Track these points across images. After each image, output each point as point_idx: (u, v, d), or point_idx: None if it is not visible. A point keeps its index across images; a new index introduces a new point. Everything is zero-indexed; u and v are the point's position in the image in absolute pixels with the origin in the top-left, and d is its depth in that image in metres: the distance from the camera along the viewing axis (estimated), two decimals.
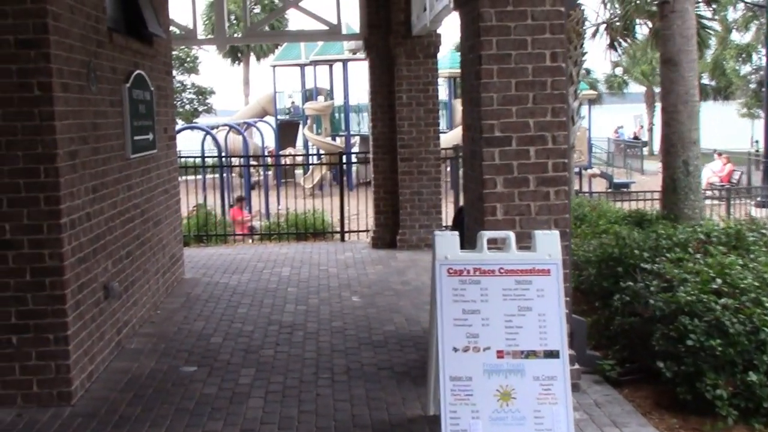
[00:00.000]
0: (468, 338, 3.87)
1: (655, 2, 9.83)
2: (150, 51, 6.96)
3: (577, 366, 4.66)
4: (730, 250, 5.32)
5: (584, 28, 10.86)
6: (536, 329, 3.88)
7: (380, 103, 9.67)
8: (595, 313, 5.64)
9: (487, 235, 4.03)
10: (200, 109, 38.21)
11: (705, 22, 14.50)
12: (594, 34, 14.37)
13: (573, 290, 5.18)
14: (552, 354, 3.85)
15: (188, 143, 22.31)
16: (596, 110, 31.64)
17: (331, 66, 27.91)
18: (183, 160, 12.39)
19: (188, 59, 36.73)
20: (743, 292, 4.36)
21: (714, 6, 15.55)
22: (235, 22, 31.47)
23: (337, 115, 26.81)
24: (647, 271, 5.09)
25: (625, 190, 19.18)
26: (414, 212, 9.43)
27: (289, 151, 26.14)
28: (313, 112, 26.33)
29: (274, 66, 29.89)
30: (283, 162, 20.74)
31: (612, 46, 14.04)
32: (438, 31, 9.32)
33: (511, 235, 4.03)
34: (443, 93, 22.75)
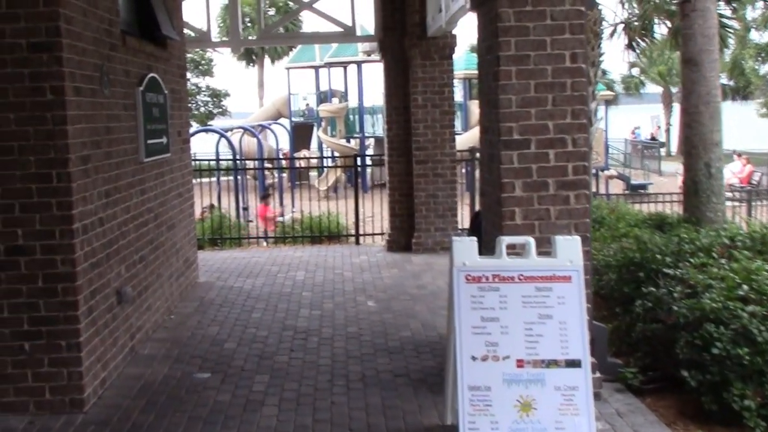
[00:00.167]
0: (487, 347, 3.78)
1: (675, 1, 9.67)
2: (164, 54, 6.92)
3: (598, 374, 4.54)
4: (755, 255, 5.18)
5: (601, 28, 10.72)
6: (557, 338, 3.78)
7: (395, 105, 9.58)
8: (615, 319, 5.52)
9: (506, 240, 3.93)
10: (215, 111, 38.35)
11: (725, 21, 14.28)
12: (612, 34, 14.21)
13: (593, 295, 5.06)
14: (573, 363, 3.74)
15: (203, 146, 22.35)
16: (612, 111, 31.37)
17: (345, 68, 27.88)
18: (197, 162, 12.36)
19: (203, 62, 36.87)
20: None
21: (734, 5, 15.32)
22: (249, 24, 31.52)
23: (351, 117, 26.76)
24: (670, 277, 4.96)
25: (642, 191, 18.96)
26: (429, 215, 9.33)
27: (304, 153, 26.11)
28: (328, 114, 26.30)
29: (289, 68, 29.89)
30: (297, 164, 20.71)
31: (630, 46, 13.86)
32: (453, 32, 9.22)
33: (531, 240, 3.93)
34: (458, 94, 22.66)
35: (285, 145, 27.65)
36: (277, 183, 18.29)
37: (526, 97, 4.57)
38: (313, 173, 24.05)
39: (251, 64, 40.22)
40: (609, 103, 27.03)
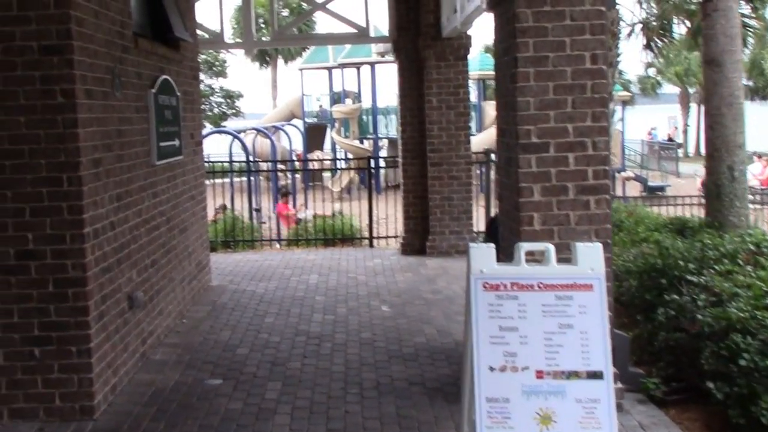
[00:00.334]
0: (505, 357, 3.66)
1: (695, 1, 9.50)
2: (176, 56, 6.86)
3: (619, 384, 4.41)
4: None
5: (619, 28, 10.56)
6: (578, 348, 3.65)
7: (409, 106, 9.48)
8: (636, 326, 5.39)
9: (525, 247, 3.81)
10: (228, 112, 38.39)
11: (746, 20, 14.04)
12: (629, 35, 14.01)
13: (613, 302, 4.93)
14: (595, 375, 3.61)
15: (216, 147, 22.35)
16: (628, 111, 31.07)
17: (358, 69, 27.79)
18: (210, 164, 12.32)
19: (217, 63, 36.91)
20: None
21: (754, 4, 15.06)
22: (263, 25, 31.53)
23: (364, 118, 26.68)
24: (693, 284, 4.83)
25: (660, 193, 18.72)
26: (444, 218, 9.22)
27: (317, 154, 26.06)
28: (341, 115, 26.23)
29: (302, 69, 29.87)
30: (310, 166, 20.65)
31: (648, 46, 13.67)
32: (468, 32, 9.10)
33: (551, 247, 3.80)
34: (472, 95, 22.48)
35: (298, 146, 27.62)
36: (290, 184, 18.23)
37: (545, 99, 4.47)
38: (327, 174, 23.97)
39: (265, 65, 40.23)
40: (625, 103, 26.78)
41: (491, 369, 3.65)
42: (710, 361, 4.13)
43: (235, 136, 17.32)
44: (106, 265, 4.74)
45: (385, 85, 27.43)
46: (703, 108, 40.02)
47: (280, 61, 39.86)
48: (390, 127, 25.73)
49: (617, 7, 9.62)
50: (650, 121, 39.56)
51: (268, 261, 9.33)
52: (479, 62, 23.70)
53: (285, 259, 9.42)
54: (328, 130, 28.66)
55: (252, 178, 15.66)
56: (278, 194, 15.58)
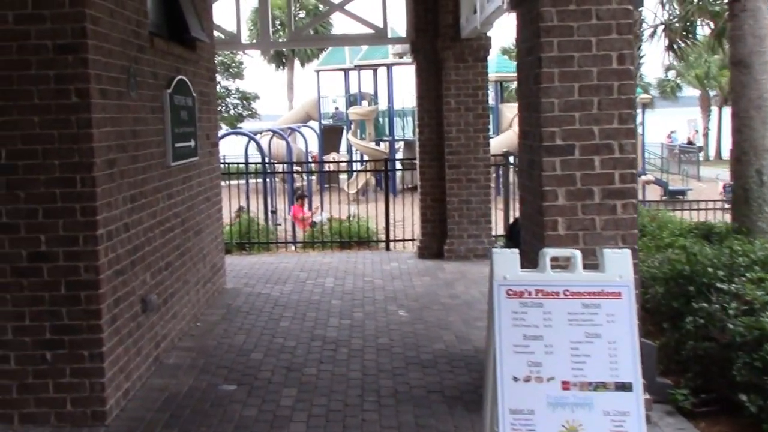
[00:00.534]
0: (530, 367, 3.52)
1: (718, 2, 9.30)
2: (192, 56, 6.79)
3: (646, 395, 4.26)
4: None
5: (641, 29, 10.38)
6: (606, 358, 3.50)
7: (427, 108, 9.36)
8: (662, 335, 5.22)
9: (550, 253, 3.67)
10: (244, 114, 38.46)
11: None
12: (651, 36, 13.80)
13: (639, 309, 4.78)
14: (624, 386, 3.47)
15: (233, 148, 22.32)
16: (648, 115, 30.75)
17: (375, 70, 27.74)
18: (226, 165, 12.26)
19: (233, 64, 37.00)
20: None
21: None
22: (279, 27, 31.54)
23: (381, 119, 26.59)
24: (723, 292, 4.66)
25: (681, 197, 18.45)
26: (462, 221, 9.09)
27: (333, 156, 26.00)
28: (358, 117, 26.18)
29: (318, 71, 29.85)
30: (326, 167, 20.59)
31: (671, 47, 13.44)
32: (489, 33, 8.97)
33: (577, 253, 3.66)
34: (490, 98, 22.33)
35: (314, 147, 27.58)
36: (305, 186, 18.17)
37: (570, 100, 4.33)
38: (343, 176, 23.90)
39: (281, 67, 40.27)
40: (645, 107, 26.49)
41: (515, 379, 3.52)
42: (742, 373, 3.97)
43: (252, 138, 17.26)
44: (119, 267, 4.66)
45: (401, 86, 27.35)
46: (724, 111, 39.69)
47: (297, 63, 39.89)
48: (406, 129, 25.63)
49: (640, 8, 9.42)
50: (670, 124, 39.14)
51: (283, 264, 9.24)
52: (496, 64, 23.54)
53: (300, 262, 9.32)
54: (344, 132, 28.60)
55: (268, 180, 15.61)
56: (294, 197, 15.51)
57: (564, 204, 4.32)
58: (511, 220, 10.53)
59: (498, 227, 10.21)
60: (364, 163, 22.80)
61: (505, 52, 33.69)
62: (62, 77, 4.28)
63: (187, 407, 4.67)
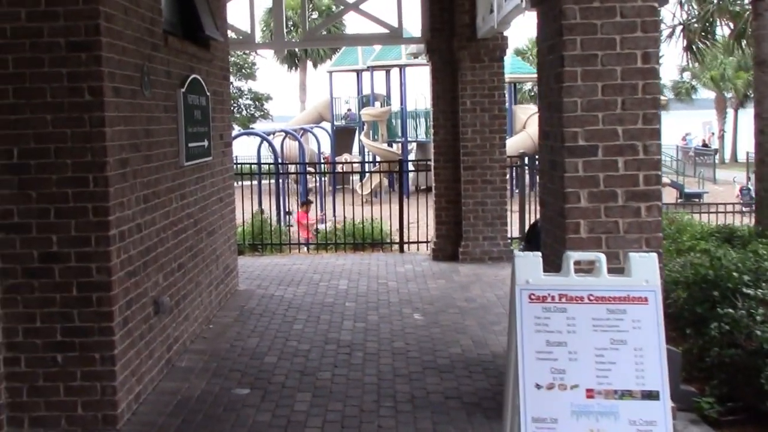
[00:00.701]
0: (553, 374, 3.41)
1: (739, 1, 9.14)
2: (206, 55, 6.72)
3: (671, 403, 4.13)
4: None
5: (659, 30, 10.21)
6: (632, 366, 3.39)
7: (443, 108, 9.26)
8: (685, 341, 5.10)
9: (574, 256, 3.56)
10: (257, 115, 38.49)
11: None
12: (669, 36, 13.61)
13: None
14: (651, 395, 3.36)
15: (246, 149, 22.31)
16: (663, 117, 30.40)
17: (388, 71, 27.66)
18: (238, 165, 12.19)
19: (246, 65, 37.03)
20: None
21: None
22: (292, 28, 31.52)
23: (393, 121, 26.50)
24: (749, 297, 4.54)
25: (697, 200, 18.23)
26: (477, 223, 8.97)
27: (345, 157, 25.93)
28: (370, 118, 26.09)
29: (331, 72, 29.79)
30: (338, 168, 20.50)
31: (689, 48, 13.25)
32: (505, 33, 8.86)
33: (602, 257, 3.55)
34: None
35: (327, 148, 27.53)
36: (318, 187, 18.14)
37: (593, 100, 4.22)
38: (355, 177, 23.82)
39: (293, 68, 40.27)
40: (660, 108, 26.18)
41: (538, 387, 3.41)
42: None
43: (264, 138, 17.22)
44: (131, 268, 4.59)
45: (414, 88, 27.25)
46: (739, 113, 39.31)
47: (309, 64, 39.88)
48: (419, 131, 25.51)
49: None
50: (685, 126, 38.84)
51: (296, 265, 9.16)
52: (510, 65, 23.37)
53: (313, 264, 9.24)
54: (357, 133, 28.53)
55: (281, 181, 15.55)
56: (301, 202, 15.39)
57: (587, 206, 4.21)
58: (527, 222, 10.42)
59: (513, 229, 10.09)
60: (376, 164, 22.72)
61: (518, 53, 33.54)
62: (75, 75, 4.21)
63: (200, 412, 4.59)
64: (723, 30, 13.89)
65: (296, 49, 35.47)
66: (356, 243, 10.89)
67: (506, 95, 23.96)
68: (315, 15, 35.34)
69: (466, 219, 8.97)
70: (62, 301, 4.25)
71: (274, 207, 14.06)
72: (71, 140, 4.23)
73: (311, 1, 34.27)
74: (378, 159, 23.95)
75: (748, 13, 11.54)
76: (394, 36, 9.95)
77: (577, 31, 4.20)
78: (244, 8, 10.12)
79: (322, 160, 23.18)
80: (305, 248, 11.60)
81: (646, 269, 3.50)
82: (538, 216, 10.28)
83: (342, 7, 10.84)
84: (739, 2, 12.33)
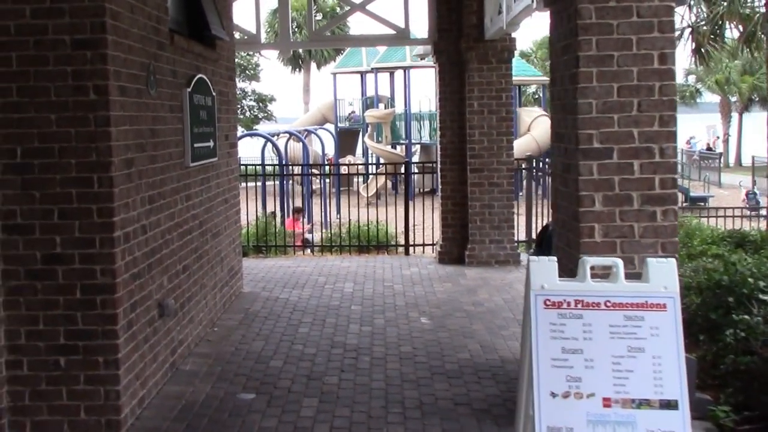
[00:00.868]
0: (568, 382, 3.33)
1: (749, 4, 9.03)
2: (213, 54, 6.64)
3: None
4: None
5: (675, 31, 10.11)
6: (650, 374, 3.30)
7: (449, 110, 9.17)
8: (698, 347, 5.00)
9: (590, 261, 3.47)
10: (260, 116, 38.44)
11: None
12: (678, 39, 13.49)
13: None
14: (669, 405, 3.27)
15: (250, 150, 22.24)
16: None
17: (392, 73, 27.58)
18: (242, 167, 12.10)
19: (249, 66, 36.99)
20: None
21: None
22: (296, 29, 31.47)
23: (397, 123, 26.42)
24: (766, 303, 4.44)
25: (702, 204, 18.13)
26: (484, 226, 8.88)
27: (349, 159, 25.86)
28: (374, 120, 26.02)
29: (335, 73, 29.72)
30: (342, 170, 20.42)
31: (698, 51, 13.14)
32: (513, 35, 8.78)
33: (619, 262, 3.46)
34: None
35: (330, 150, 27.44)
36: (320, 189, 18.04)
37: (608, 101, 4.13)
38: (358, 179, 23.72)
39: (297, 69, 40.23)
40: None
41: (553, 395, 3.32)
42: None
43: (269, 139, 17.15)
44: (136, 270, 4.50)
45: (418, 90, 27.15)
46: (744, 117, 39.17)
47: (313, 65, 39.83)
48: (423, 133, 25.43)
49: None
50: (689, 130, 38.70)
51: (301, 267, 9.07)
52: (514, 68, 23.29)
53: (318, 266, 9.15)
54: (360, 134, 28.46)
55: (285, 182, 15.47)
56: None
57: (601, 210, 4.12)
58: (533, 226, 10.33)
59: (520, 233, 10.00)
60: (380, 166, 22.64)
61: (522, 55, 33.46)
62: (80, 73, 4.13)
63: (205, 416, 4.50)
64: (732, 33, 13.82)
65: (300, 51, 35.44)
66: (361, 245, 10.81)
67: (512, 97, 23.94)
68: (319, 17, 35.31)
69: (473, 222, 8.88)
70: (66, 303, 4.17)
71: (278, 208, 13.98)
72: (76, 140, 4.15)
73: (315, 2, 34.21)
74: (381, 161, 23.87)
75: (758, 15, 11.48)
76: (401, 37, 9.88)
77: (593, 31, 4.11)
78: (249, 8, 10.06)
79: (326, 162, 23.11)
80: (309, 250, 11.51)
81: (664, 275, 3.42)
82: (543, 219, 10.20)
83: (348, 8, 10.76)
84: (749, 4, 12.26)
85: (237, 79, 35.78)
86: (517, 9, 7.19)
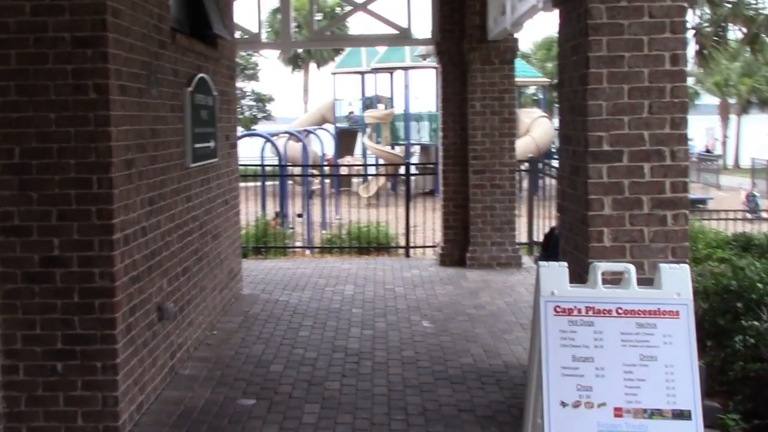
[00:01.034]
0: (579, 391, 3.25)
1: (752, 5, 8.97)
2: (214, 54, 6.56)
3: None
4: None
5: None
6: (662, 383, 3.23)
7: (451, 111, 9.09)
8: (706, 354, 4.92)
9: (602, 267, 3.39)
10: (259, 116, 38.32)
11: None
12: None
13: None
14: (682, 415, 3.19)
15: (248, 150, 22.10)
16: None
17: (392, 74, 27.48)
18: (242, 167, 12.01)
19: (248, 66, 36.88)
20: None
21: None
22: (297, 29, 31.35)
23: (397, 123, 26.32)
24: None
25: (701, 206, 18.06)
26: (486, 228, 8.80)
27: (348, 159, 25.76)
28: (373, 120, 25.91)
29: (335, 73, 29.62)
30: (341, 171, 20.34)
31: (701, 53, 13.09)
32: (515, 35, 8.71)
33: (631, 268, 3.39)
34: None
35: (329, 150, 27.33)
36: (319, 189, 17.94)
37: (619, 103, 4.06)
38: (356, 179, 23.62)
39: (297, 69, 40.13)
40: None
41: (563, 404, 3.24)
42: None
43: (268, 140, 17.05)
44: (135, 273, 4.42)
45: (418, 90, 27.07)
46: (743, 119, 39.12)
47: (312, 65, 39.73)
48: (422, 134, 25.35)
49: None
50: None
51: (300, 269, 8.99)
52: (515, 69, 23.25)
53: (318, 268, 9.07)
54: (359, 135, 28.35)
55: (284, 182, 15.37)
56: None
57: (610, 214, 4.05)
58: (534, 228, 10.26)
59: (522, 235, 9.92)
60: (379, 167, 22.55)
61: (522, 56, 33.36)
62: (80, 72, 4.05)
63: (204, 422, 4.42)
64: (735, 34, 13.75)
65: (299, 51, 35.33)
66: (361, 247, 10.72)
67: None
68: (320, 17, 35.21)
69: (474, 224, 8.80)
70: (63, 307, 4.08)
71: (278, 209, 13.88)
72: (75, 140, 4.06)
73: (316, 2, 34.14)
74: (381, 162, 23.78)
75: (762, 17, 11.44)
76: (403, 37, 9.80)
77: (603, 32, 4.05)
78: (250, 8, 9.97)
79: (325, 162, 23.00)
80: (308, 251, 11.43)
81: (677, 281, 3.34)
82: (543, 221, 10.13)
83: (350, 8, 10.68)
84: (753, 6, 12.23)
85: (236, 79, 35.57)
86: (522, 9, 7.11)
